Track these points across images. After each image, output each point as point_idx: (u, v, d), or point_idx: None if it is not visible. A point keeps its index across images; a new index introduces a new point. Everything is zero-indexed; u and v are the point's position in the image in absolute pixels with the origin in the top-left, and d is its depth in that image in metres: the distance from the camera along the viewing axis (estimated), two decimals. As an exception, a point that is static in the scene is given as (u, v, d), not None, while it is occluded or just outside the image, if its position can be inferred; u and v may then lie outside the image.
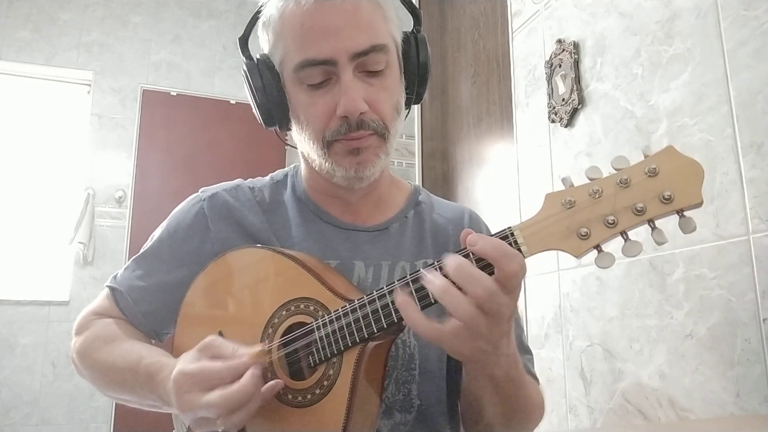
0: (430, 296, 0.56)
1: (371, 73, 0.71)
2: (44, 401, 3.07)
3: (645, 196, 0.52)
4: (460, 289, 0.53)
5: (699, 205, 0.51)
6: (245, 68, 0.76)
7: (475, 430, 0.76)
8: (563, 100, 1.42)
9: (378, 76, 0.72)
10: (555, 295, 1.43)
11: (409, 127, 2.58)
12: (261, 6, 0.76)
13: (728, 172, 0.99)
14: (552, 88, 1.48)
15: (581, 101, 1.37)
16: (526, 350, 0.83)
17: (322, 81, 0.71)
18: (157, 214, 0.94)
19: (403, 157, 2.94)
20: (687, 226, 0.51)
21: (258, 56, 0.76)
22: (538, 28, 1.58)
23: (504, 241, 0.54)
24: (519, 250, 0.55)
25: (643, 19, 1.20)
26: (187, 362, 0.61)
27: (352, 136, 0.71)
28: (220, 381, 0.58)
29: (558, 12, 1.49)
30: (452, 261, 0.54)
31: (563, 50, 1.44)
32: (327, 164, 0.74)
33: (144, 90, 3.52)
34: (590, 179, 0.54)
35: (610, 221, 0.52)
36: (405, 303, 0.56)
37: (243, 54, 0.78)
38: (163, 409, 0.70)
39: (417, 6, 0.82)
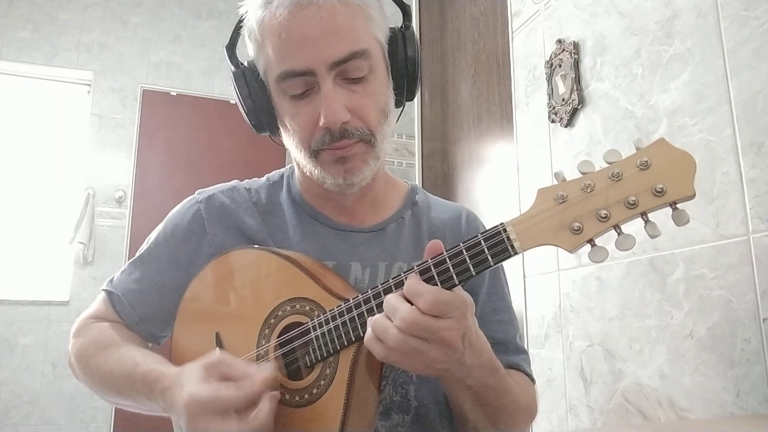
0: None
1: (353, 80, 0.70)
2: (44, 401, 3.07)
3: (637, 190, 0.52)
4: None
5: (691, 197, 0.51)
6: (233, 77, 0.76)
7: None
8: (563, 100, 1.42)
9: (361, 83, 0.71)
10: (555, 295, 1.43)
11: (409, 127, 2.58)
12: (242, 16, 0.75)
13: (728, 172, 0.99)
14: (552, 88, 1.48)
15: (581, 101, 1.37)
16: (520, 350, 0.83)
17: (303, 91, 0.70)
18: (157, 214, 0.94)
19: (403, 157, 2.95)
20: (680, 219, 0.51)
21: (245, 64, 0.76)
22: (538, 28, 1.58)
23: (438, 290, 0.56)
24: (512, 246, 0.55)
25: (643, 19, 1.20)
26: (195, 383, 0.60)
27: (337, 146, 0.70)
28: (235, 408, 0.58)
29: (558, 12, 1.49)
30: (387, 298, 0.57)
31: (563, 50, 1.43)
32: (316, 171, 0.74)
33: (144, 90, 3.52)
34: (582, 173, 0.54)
35: (603, 215, 0.52)
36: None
37: (231, 62, 0.77)
38: (161, 414, 0.70)
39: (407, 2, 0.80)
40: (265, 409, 0.58)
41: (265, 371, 0.60)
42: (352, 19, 0.69)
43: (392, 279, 0.60)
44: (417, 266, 0.58)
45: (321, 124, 0.69)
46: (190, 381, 0.60)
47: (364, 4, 0.71)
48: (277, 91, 0.73)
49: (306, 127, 0.71)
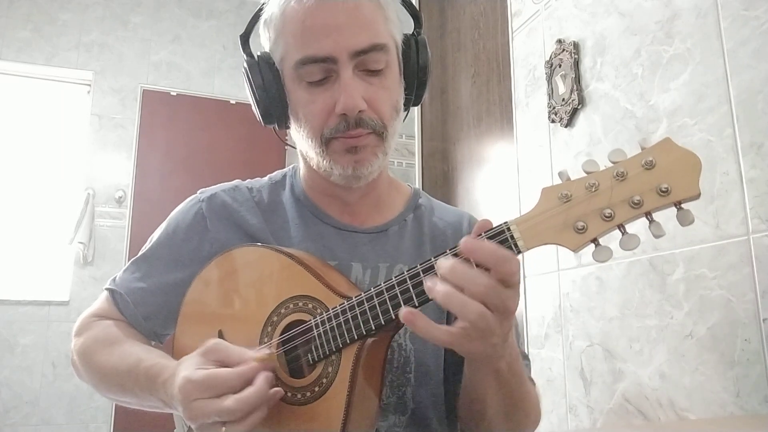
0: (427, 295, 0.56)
1: (371, 72, 0.72)
2: (44, 401, 3.06)
3: (642, 189, 0.51)
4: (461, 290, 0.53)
5: (696, 197, 0.50)
6: (246, 65, 0.77)
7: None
8: (563, 100, 1.42)
9: (378, 76, 0.72)
10: (555, 295, 1.43)
11: (409, 127, 2.58)
12: (263, 4, 0.76)
13: (728, 172, 0.99)
14: (552, 88, 1.48)
15: (581, 101, 1.37)
16: (523, 356, 0.83)
17: (321, 78, 0.71)
18: (157, 214, 0.94)
19: (403, 157, 2.94)
20: (685, 219, 0.50)
21: (259, 54, 0.77)
22: (538, 28, 1.58)
23: (499, 245, 0.54)
24: (516, 244, 0.55)
25: (643, 19, 1.20)
26: (191, 368, 0.60)
27: (351, 134, 0.71)
28: (230, 389, 0.58)
29: (558, 12, 1.49)
30: (445, 264, 0.53)
31: (563, 50, 1.44)
32: (325, 162, 0.74)
33: (144, 90, 3.52)
34: (587, 172, 0.54)
35: (607, 214, 0.52)
36: (412, 315, 0.54)
37: (244, 51, 0.78)
38: (164, 410, 0.70)
39: (417, 8, 0.82)
40: (259, 383, 0.58)
41: (261, 352, 0.61)
42: (374, 14, 0.72)
43: (395, 278, 0.60)
44: (420, 265, 0.58)
45: (338, 110, 0.70)
46: (187, 367, 0.61)
47: (385, 3, 0.74)
48: (293, 78, 0.74)
49: (321, 114, 0.72)
